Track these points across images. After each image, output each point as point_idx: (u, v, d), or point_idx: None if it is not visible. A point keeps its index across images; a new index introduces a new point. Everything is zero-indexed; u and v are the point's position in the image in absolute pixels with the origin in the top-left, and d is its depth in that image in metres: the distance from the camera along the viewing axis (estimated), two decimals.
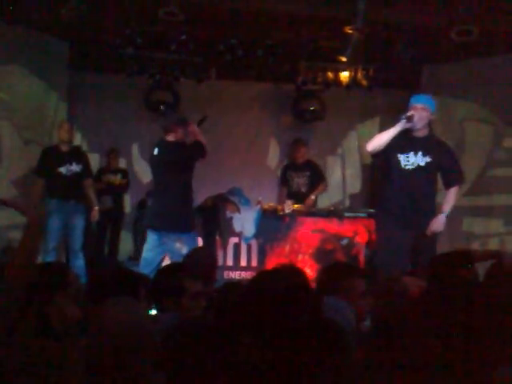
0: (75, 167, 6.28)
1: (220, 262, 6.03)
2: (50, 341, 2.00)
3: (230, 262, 6.30)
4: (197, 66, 7.16)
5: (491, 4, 5.67)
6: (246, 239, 6.34)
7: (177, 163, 5.04)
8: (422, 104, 4.45)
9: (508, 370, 1.76)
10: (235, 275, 6.26)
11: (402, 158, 4.44)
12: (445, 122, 7.23)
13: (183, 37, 6.64)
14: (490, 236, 6.80)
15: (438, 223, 4.50)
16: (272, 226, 6.39)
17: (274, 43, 6.81)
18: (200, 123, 5.31)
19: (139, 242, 6.53)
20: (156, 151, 5.14)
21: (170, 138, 5.12)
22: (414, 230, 4.43)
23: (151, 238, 5.10)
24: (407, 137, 4.46)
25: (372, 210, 6.04)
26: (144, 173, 7.94)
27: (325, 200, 7.90)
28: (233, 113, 7.71)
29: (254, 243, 6.38)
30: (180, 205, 5.02)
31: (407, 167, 4.44)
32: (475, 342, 1.79)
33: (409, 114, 4.37)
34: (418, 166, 4.43)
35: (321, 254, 6.27)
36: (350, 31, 6.10)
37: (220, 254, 6.20)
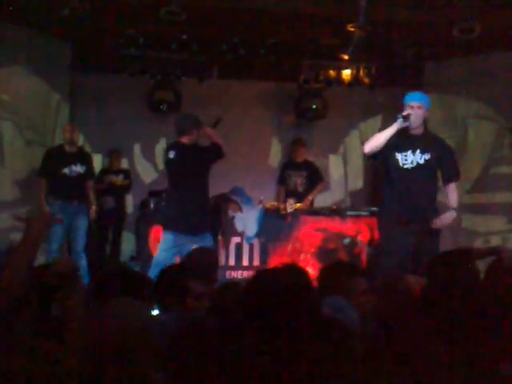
0: (79, 168, 6.29)
1: (222, 261, 6.03)
2: (50, 341, 2.00)
3: (232, 262, 6.29)
4: (199, 65, 7.16)
5: (493, 0, 5.65)
6: (248, 238, 6.34)
7: (195, 166, 5.02)
8: (418, 102, 4.42)
9: (509, 366, 1.75)
10: (237, 275, 6.26)
11: (399, 157, 4.41)
12: (447, 119, 7.22)
13: (185, 36, 6.64)
14: (492, 234, 6.79)
15: (448, 217, 4.46)
16: (274, 225, 6.39)
17: (275, 42, 6.80)
18: (215, 125, 5.29)
19: (141, 242, 6.54)
20: (172, 154, 5.08)
21: (185, 140, 5.07)
22: (417, 229, 4.40)
23: (167, 238, 5.10)
24: (404, 135, 4.44)
25: (374, 209, 6.03)
26: (146, 173, 7.96)
27: (327, 199, 7.90)
28: (235, 112, 7.69)
29: (256, 242, 6.38)
30: (197, 207, 5.02)
31: (406, 166, 4.41)
32: (476, 338, 1.79)
33: (405, 113, 4.34)
34: (418, 165, 4.41)
35: (323, 253, 6.27)
36: (352, 29, 6.08)
37: (222, 253, 6.20)
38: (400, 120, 4.32)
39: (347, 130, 8.23)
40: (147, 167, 7.98)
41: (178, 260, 5.14)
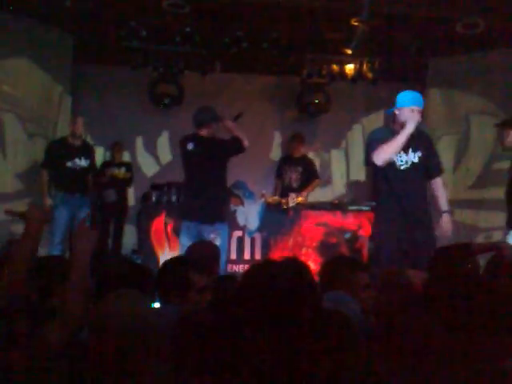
0: (83, 162, 6.30)
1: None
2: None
3: (233, 256, 6.30)
4: (201, 58, 7.14)
5: None
6: (250, 233, 6.34)
7: (214, 159, 5.04)
8: (420, 107, 4.36)
9: (511, 361, 1.75)
10: (238, 268, 6.27)
11: (396, 158, 4.35)
12: (450, 115, 7.21)
13: (188, 29, 6.62)
14: (493, 229, 6.78)
15: (447, 225, 4.40)
16: (276, 219, 6.39)
17: (278, 36, 6.78)
18: (236, 118, 5.29)
19: (143, 235, 6.55)
20: (191, 146, 5.09)
21: (203, 132, 5.09)
22: (413, 228, 4.34)
23: (187, 228, 5.14)
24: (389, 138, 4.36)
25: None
26: (148, 166, 7.96)
27: (329, 193, 7.89)
28: (237, 106, 7.66)
29: (257, 237, 6.38)
30: (215, 197, 5.06)
31: (402, 167, 4.35)
32: (477, 334, 1.78)
33: (416, 119, 4.24)
34: (412, 164, 4.34)
35: (324, 248, 6.27)
36: (356, 23, 6.06)
37: None
38: (411, 126, 4.21)
39: (350, 125, 8.22)
40: (149, 160, 7.99)
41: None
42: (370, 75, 7.22)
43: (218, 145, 5.09)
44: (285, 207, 6.44)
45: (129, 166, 7.39)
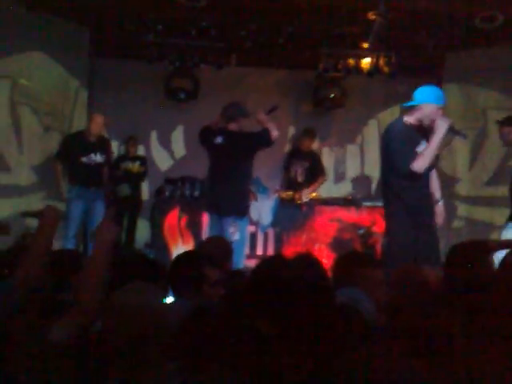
0: (99, 158, 6.31)
1: None
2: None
3: (246, 251, 6.29)
4: (217, 52, 7.13)
5: None
6: (263, 228, 6.33)
7: (242, 153, 5.14)
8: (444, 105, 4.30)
9: None
10: (251, 264, 6.26)
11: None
12: (467, 110, 7.13)
13: (204, 23, 6.61)
14: None
15: (443, 213, 4.45)
16: (289, 214, 6.37)
17: (294, 30, 6.74)
18: (270, 112, 5.35)
19: (156, 229, 6.57)
20: (220, 140, 5.19)
21: (233, 127, 5.20)
22: (430, 224, 4.33)
23: (214, 221, 5.24)
24: (419, 133, 4.30)
25: None
26: (162, 160, 7.97)
27: (343, 189, 7.85)
28: (252, 100, 7.65)
29: (270, 232, 6.37)
30: (240, 191, 5.16)
31: None
32: (494, 331, 1.76)
33: (449, 122, 4.16)
34: None
35: (338, 244, 6.25)
36: (373, 17, 6.01)
37: None
38: (446, 128, 4.13)
39: (365, 120, 8.16)
40: (163, 154, 7.99)
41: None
42: (386, 69, 7.16)
43: (247, 139, 5.17)
44: (298, 202, 6.41)
45: (143, 160, 7.41)
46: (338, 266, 2.86)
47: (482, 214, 6.82)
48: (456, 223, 7.14)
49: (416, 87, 4.33)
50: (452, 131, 4.20)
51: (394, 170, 4.22)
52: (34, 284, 2.16)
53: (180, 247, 6.21)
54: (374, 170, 8.12)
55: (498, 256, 2.78)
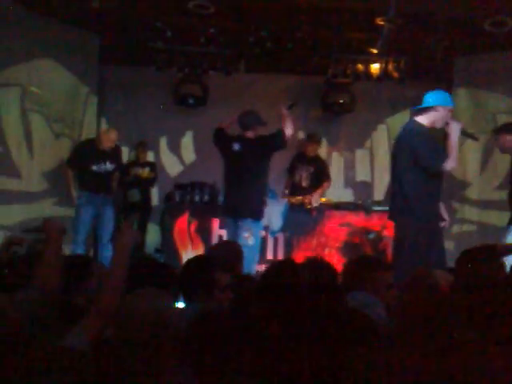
0: (109, 166, 6.33)
1: None
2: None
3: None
4: (226, 58, 7.15)
5: None
6: (273, 232, 6.33)
7: (259, 159, 5.31)
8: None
9: None
10: (261, 268, 6.26)
11: None
12: (477, 114, 7.10)
13: (212, 30, 6.63)
14: None
15: (445, 214, 4.48)
16: (299, 219, 6.37)
17: (303, 36, 6.75)
18: (290, 107, 5.50)
19: (166, 234, 6.58)
20: (237, 147, 5.33)
21: (250, 135, 5.36)
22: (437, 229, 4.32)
23: (232, 225, 5.35)
24: (433, 136, 4.30)
25: None
26: (172, 166, 7.99)
27: (352, 194, 7.83)
28: (261, 106, 7.64)
29: (280, 237, 6.37)
30: (257, 194, 5.30)
31: None
32: (504, 335, 1.75)
33: (463, 124, 4.20)
34: None
35: (348, 248, 6.23)
36: (382, 23, 6.01)
37: None
38: (459, 129, 4.15)
39: (375, 125, 8.15)
40: (173, 160, 8.02)
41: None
42: (395, 75, 7.14)
43: (263, 144, 5.32)
44: (308, 207, 6.41)
45: (153, 166, 7.44)
46: (348, 270, 2.86)
47: (492, 217, 6.78)
48: (466, 227, 7.10)
49: (425, 92, 4.34)
50: (464, 134, 4.21)
51: (420, 171, 4.18)
52: (52, 291, 2.19)
53: (190, 252, 6.23)
54: (383, 175, 8.11)
55: (510, 260, 2.77)
